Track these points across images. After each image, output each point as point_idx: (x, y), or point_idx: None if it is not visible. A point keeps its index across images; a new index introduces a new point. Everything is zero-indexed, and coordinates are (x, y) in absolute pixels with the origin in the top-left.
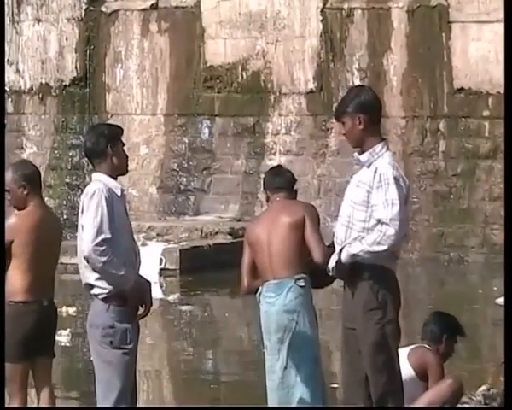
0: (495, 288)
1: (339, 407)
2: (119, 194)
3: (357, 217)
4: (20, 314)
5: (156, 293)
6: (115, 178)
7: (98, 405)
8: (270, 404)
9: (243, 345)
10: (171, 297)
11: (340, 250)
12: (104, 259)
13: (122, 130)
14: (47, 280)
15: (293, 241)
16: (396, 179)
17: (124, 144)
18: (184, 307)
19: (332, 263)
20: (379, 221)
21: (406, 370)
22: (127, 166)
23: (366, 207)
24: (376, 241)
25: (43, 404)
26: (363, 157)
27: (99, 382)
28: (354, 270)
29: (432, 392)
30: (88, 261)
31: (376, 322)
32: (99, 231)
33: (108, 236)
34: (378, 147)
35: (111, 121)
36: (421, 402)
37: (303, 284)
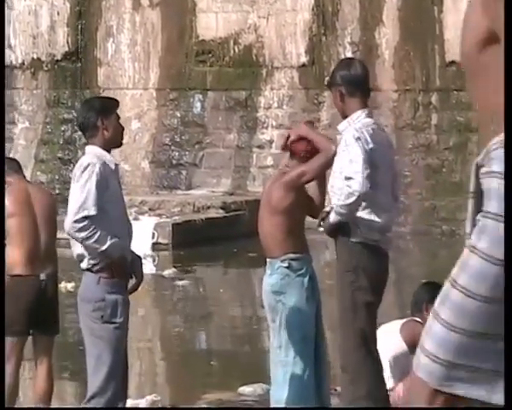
0: None
1: (339, 408)
2: (113, 167)
3: (337, 185)
4: (16, 287)
5: (149, 267)
6: (109, 151)
7: (89, 380)
8: (272, 377)
9: (237, 320)
10: (166, 272)
11: (328, 213)
12: (83, 234)
13: (116, 102)
14: (44, 254)
15: (282, 221)
16: (357, 140)
17: (119, 117)
18: (180, 282)
19: (322, 224)
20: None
21: (398, 344)
22: (121, 138)
23: (341, 170)
24: (346, 195)
25: (40, 382)
26: (340, 126)
27: (89, 356)
28: (341, 233)
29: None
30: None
31: (348, 284)
32: (82, 207)
33: (92, 213)
34: (355, 115)
35: (103, 95)
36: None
37: (286, 265)
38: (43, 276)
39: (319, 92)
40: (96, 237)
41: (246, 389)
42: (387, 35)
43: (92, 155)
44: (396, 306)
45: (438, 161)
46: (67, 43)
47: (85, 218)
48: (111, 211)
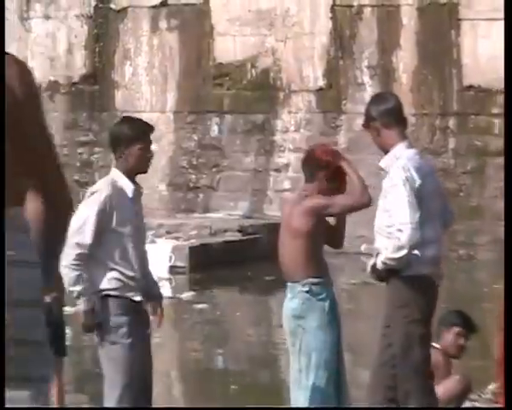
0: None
1: (338, 408)
2: (131, 195)
3: (384, 223)
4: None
5: (166, 290)
6: (131, 177)
7: (104, 404)
8: (292, 401)
9: (254, 344)
10: (184, 295)
11: (376, 256)
12: (63, 260)
13: (148, 128)
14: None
15: (303, 245)
16: (405, 182)
17: (149, 142)
18: (198, 306)
19: (368, 268)
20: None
21: None
22: (146, 166)
23: (388, 212)
24: (395, 248)
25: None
26: (382, 162)
27: (105, 380)
28: (388, 274)
29: (439, 389)
30: None
31: (402, 318)
32: (75, 233)
33: (87, 241)
34: (395, 149)
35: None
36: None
37: (307, 289)
38: (48, 299)
39: (336, 116)
40: (73, 275)
41: None
42: (405, 58)
43: (108, 179)
44: None
45: (455, 185)
46: (85, 65)
47: (80, 246)
48: (119, 238)
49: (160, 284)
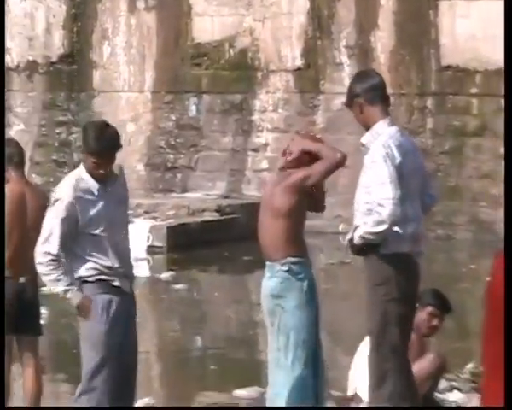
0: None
1: (338, 408)
2: (96, 193)
3: (364, 199)
4: None
5: (144, 270)
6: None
7: (83, 384)
8: (270, 380)
9: (232, 323)
10: (163, 275)
11: (354, 231)
12: (39, 269)
13: (111, 146)
14: (26, 257)
15: (284, 224)
16: (385, 158)
17: (107, 160)
18: (177, 286)
19: (345, 241)
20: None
21: None
22: (99, 176)
23: (368, 188)
24: (375, 222)
25: (27, 383)
26: (364, 139)
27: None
28: (366, 249)
29: (414, 368)
30: None
31: (380, 296)
32: (44, 242)
33: (54, 251)
34: (377, 126)
35: (98, 99)
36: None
37: (286, 268)
38: (22, 279)
39: (314, 96)
40: (53, 277)
41: (241, 393)
42: (383, 39)
43: (71, 182)
44: None
45: (433, 164)
46: (63, 45)
47: (47, 253)
48: (90, 236)
49: (138, 264)
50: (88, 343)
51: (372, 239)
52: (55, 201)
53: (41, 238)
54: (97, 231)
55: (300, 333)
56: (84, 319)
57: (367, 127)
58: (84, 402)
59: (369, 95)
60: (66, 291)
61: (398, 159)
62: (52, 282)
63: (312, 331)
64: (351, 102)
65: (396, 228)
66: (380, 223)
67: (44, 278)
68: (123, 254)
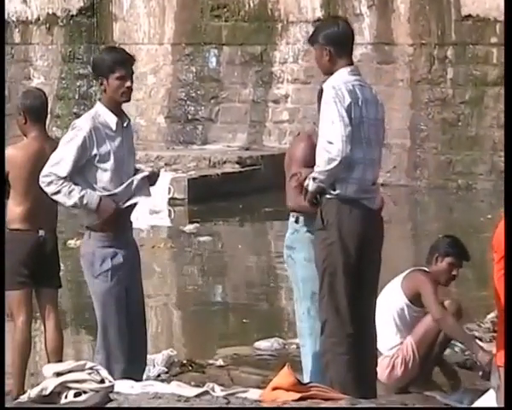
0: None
1: (339, 408)
2: (114, 127)
3: (319, 144)
4: (14, 241)
5: (166, 221)
6: (116, 108)
7: (98, 340)
8: (297, 331)
9: (253, 275)
10: (187, 228)
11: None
12: (49, 189)
13: (127, 57)
14: (45, 211)
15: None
16: (335, 98)
17: (128, 72)
18: (202, 238)
19: (303, 193)
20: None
21: (399, 298)
22: (126, 96)
23: (320, 130)
24: (325, 161)
25: (49, 336)
26: (324, 85)
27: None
28: (319, 196)
29: (430, 317)
30: None
31: (320, 241)
32: (55, 165)
33: (62, 174)
34: (338, 73)
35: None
36: (420, 329)
37: (295, 219)
38: (41, 232)
39: None
40: (64, 191)
41: (262, 344)
42: None
43: (90, 115)
44: (412, 260)
45: (453, 115)
46: None
47: (52, 174)
48: (98, 170)
49: (160, 215)
50: (96, 301)
51: (322, 179)
52: (73, 128)
53: (50, 161)
54: (108, 166)
55: (308, 285)
56: (106, 217)
57: (327, 73)
58: (100, 360)
59: (339, 46)
60: (81, 198)
61: (347, 100)
62: (65, 196)
63: None
64: (315, 43)
65: (344, 170)
66: (330, 161)
67: (56, 197)
68: (126, 192)
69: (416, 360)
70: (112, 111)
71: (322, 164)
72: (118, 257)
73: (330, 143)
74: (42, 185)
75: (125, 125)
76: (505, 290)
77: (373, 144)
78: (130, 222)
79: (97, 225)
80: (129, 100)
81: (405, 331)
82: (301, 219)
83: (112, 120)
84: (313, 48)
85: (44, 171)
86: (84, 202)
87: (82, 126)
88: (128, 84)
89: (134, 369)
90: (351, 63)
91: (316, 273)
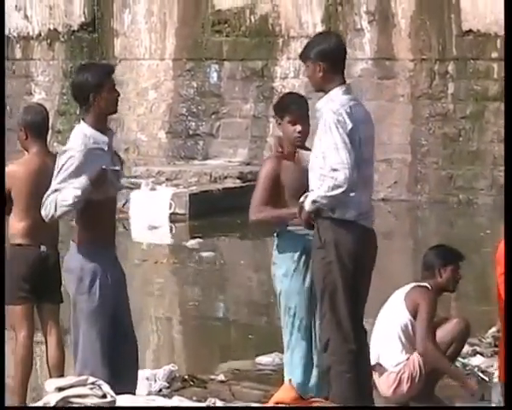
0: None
1: (339, 407)
2: (106, 148)
3: (319, 164)
4: (15, 257)
5: (166, 238)
6: (102, 124)
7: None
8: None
9: (254, 290)
10: (190, 243)
11: (306, 196)
12: (49, 209)
13: (108, 69)
14: (46, 227)
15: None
16: (336, 124)
17: (112, 82)
18: (204, 254)
19: (297, 209)
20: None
21: (403, 314)
22: (115, 106)
23: (322, 154)
24: (330, 187)
25: (50, 351)
26: (318, 104)
27: (73, 330)
28: (314, 215)
29: (438, 333)
30: None
31: (318, 260)
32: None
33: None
34: (333, 93)
35: (119, 67)
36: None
37: (276, 234)
38: (43, 247)
39: None
40: (59, 197)
41: (263, 359)
42: (403, 4)
43: (80, 140)
44: (412, 275)
45: (455, 129)
46: (84, 13)
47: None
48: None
49: (160, 231)
50: (82, 317)
51: (324, 204)
52: (64, 152)
53: (52, 189)
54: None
55: (288, 300)
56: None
57: (319, 90)
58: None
59: (332, 62)
60: (75, 188)
61: (349, 125)
62: (62, 201)
63: (302, 300)
64: (307, 59)
65: (352, 194)
66: (335, 187)
67: (58, 211)
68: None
69: (423, 375)
70: (99, 130)
71: (325, 189)
72: (106, 274)
73: (335, 170)
74: (48, 213)
75: (112, 143)
76: (505, 303)
77: (368, 163)
78: (114, 237)
79: (88, 239)
80: (117, 110)
81: (410, 347)
82: (284, 235)
83: (103, 140)
84: (305, 64)
85: (44, 199)
86: (77, 186)
87: (74, 154)
88: (116, 93)
89: (122, 388)
90: (343, 81)
91: (291, 288)
